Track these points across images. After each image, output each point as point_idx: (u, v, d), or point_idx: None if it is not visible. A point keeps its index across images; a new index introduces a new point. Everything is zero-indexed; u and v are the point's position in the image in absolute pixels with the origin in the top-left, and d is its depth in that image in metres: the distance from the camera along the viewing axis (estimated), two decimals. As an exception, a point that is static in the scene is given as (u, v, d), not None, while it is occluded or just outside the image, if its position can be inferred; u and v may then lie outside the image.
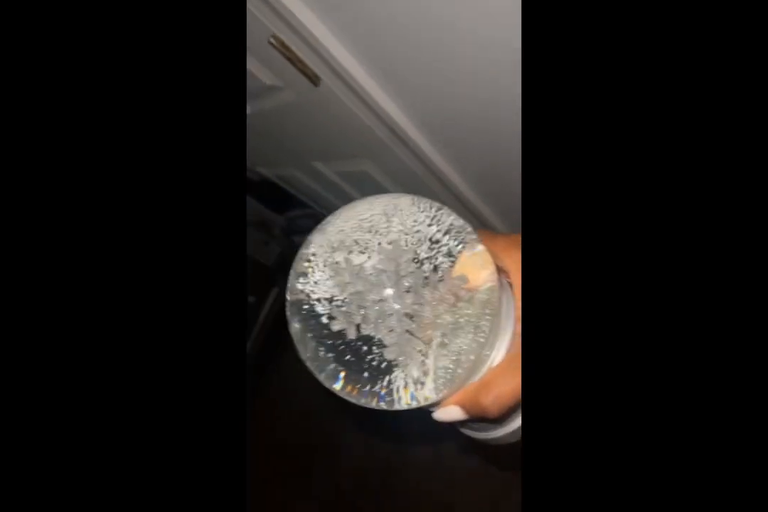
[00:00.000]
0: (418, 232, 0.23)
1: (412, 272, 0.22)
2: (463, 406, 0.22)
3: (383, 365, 0.21)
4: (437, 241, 0.23)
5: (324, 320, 0.22)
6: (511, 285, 0.24)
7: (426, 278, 0.22)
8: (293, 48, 0.67)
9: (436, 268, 0.22)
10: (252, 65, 0.80)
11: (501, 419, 0.23)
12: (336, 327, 0.22)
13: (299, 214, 1.58)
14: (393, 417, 1.11)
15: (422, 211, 0.23)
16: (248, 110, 0.95)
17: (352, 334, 0.22)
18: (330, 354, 0.22)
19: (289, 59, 0.69)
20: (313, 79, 0.71)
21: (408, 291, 0.22)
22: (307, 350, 0.23)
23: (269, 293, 1.52)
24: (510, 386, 0.21)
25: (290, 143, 1.02)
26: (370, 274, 0.22)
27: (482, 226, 0.99)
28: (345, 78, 0.67)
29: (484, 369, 0.22)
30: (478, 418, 0.22)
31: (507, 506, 0.92)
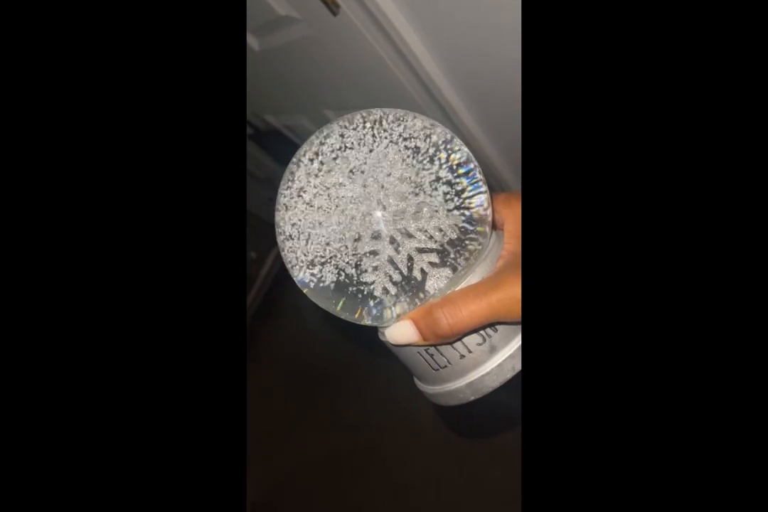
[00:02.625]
0: (426, 150, 0.21)
1: (405, 196, 0.21)
2: (415, 321, 0.21)
3: (358, 284, 0.22)
4: (447, 176, 0.21)
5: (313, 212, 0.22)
6: (503, 232, 0.24)
7: (419, 208, 0.21)
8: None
9: (432, 200, 0.21)
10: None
11: (453, 341, 0.22)
12: (321, 217, 0.21)
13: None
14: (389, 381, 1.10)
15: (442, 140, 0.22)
16: (257, 46, 0.87)
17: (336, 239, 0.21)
18: (312, 259, 0.22)
19: (306, -19, 0.61)
20: (332, 7, 0.64)
21: (400, 219, 0.21)
22: (296, 257, 0.22)
23: (271, 250, 1.50)
24: (470, 308, 0.20)
25: (301, 86, 0.94)
26: (368, 182, 0.21)
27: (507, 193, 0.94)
28: (367, 4, 0.60)
29: None
30: (431, 338, 0.21)
31: (500, 478, 0.91)
